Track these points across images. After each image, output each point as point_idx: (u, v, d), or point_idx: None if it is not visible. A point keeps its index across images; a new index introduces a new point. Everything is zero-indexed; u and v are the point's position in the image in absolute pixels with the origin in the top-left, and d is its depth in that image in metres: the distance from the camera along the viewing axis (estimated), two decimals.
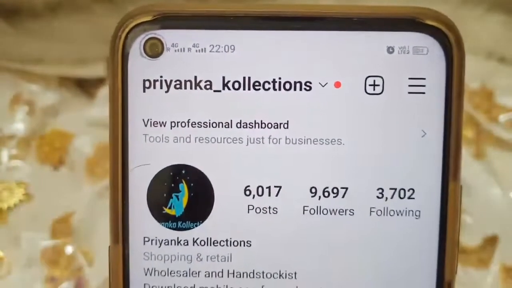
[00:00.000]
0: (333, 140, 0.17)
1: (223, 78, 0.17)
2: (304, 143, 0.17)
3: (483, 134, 0.48)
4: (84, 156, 0.47)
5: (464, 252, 0.44)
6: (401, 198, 0.17)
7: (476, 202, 0.45)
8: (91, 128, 0.48)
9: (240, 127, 0.17)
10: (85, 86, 0.49)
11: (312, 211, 0.17)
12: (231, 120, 0.17)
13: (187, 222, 0.17)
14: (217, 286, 0.18)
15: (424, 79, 0.17)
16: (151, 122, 0.17)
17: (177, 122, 0.17)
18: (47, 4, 0.46)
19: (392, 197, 0.17)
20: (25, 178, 0.46)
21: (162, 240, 0.17)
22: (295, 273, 0.17)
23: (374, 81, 0.17)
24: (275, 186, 0.17)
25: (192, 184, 0.17)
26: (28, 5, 0.46)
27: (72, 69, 0.48)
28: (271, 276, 0.17)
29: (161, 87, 0.17)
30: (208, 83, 0.17)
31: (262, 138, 0.17)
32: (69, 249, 0.44)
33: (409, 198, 0.17)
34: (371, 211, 0.17)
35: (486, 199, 0.45)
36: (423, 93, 0.17)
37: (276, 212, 0.17)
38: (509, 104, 0.49)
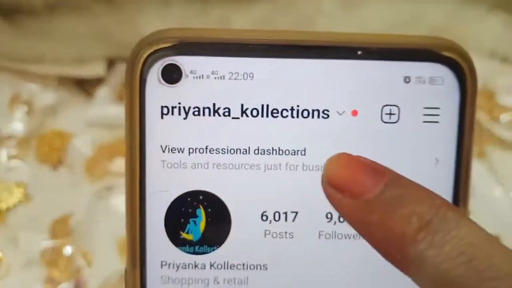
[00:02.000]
0: None
1: (242, 105, 0.17)
2: (321, 170, 0.17)
3: (484, 134, 0.49)
4: (83, 156, 0.47)
5: None
6: None
7: (477, 202, 0.45)
8: (90, 128, 0.48)
9: (258, 154, 0.17)
10: (84, 86, 0.49)
11: (327, 236, 0.18)
12: (249, 147, 0.17)
13: (204, 246, 0.18)
14: None
15: (438, 108, 0.17)
16: (169, 148, 0.17)
17: (195, 149, 0.17)
18: (46, 4, 0.46)
19: None
20: (24, 178, 0.47)
21: (179, 264, 0.18)
22: None
23: (390, 110, 0.17)
24: (291, 212, 0.18)
25: (209, 210, 0.18)
26: (27, 4, 0.45)
27: (71, 68, 0.48)
28: None
29: (179, 114, 0.17)
30: (226, 110, 0.17)
31: (280, 164, 0.17)
32: (68, 250, 0.44)
33: None
34: None
35: (487, 199, 0.46)
36: (437, 122, 0.17)
37: (292, 236, 0.18)
38: (511, 104, 0.49)
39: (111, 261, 0.44)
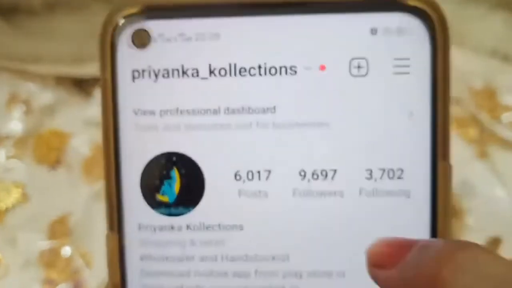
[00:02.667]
0: (320, 123, 0.18)
1: (209, 65, 0.18)
2: (292, 127, 0.18)
3: (486, 134, 0.49)
4: (81, 156, 0.48)
5: None
6: (390, 178, 0.18)
7: (479, 203, 0.46)
8: (88, 127, 0.49)
9: (228, 113, 0.18)
10: (82, 86, 0.50)
11: (302, 194, 0.18)
12: (219, 107, 0.18)
13: (179, 207, 0.18)
14: (211, 270, 0.18)
15: (408, 59, 0.17)
16: (141, 111, 0.18)
17: (166, 110, 0.18)
18: (45, 3, 0.47)
19: (381, 178, 0.18)
20: (22, 178, 0.47)
21: (156, 226, 0.18)
22: (288, 256, 0.18)
23: (359, 63, 0.18)
24: (265, 170, 0.18)
25: (183, 171, 0.18)
26: (26, 4, 0.47)
27: (69, 68, 0.49)
28: (263, 259, 0.18)
29: (149, 77, 0.18)
30: (195, 71, 0.18)
31: (250, 123, 0.18)
32: (66, 251, 0.45)
33: (398, 178, 0.18)
34: (360, 192, 0.18)
35: (489, 200, 0.46)
36: (408, 73, 0.18)
37: (267, 195, 0.18)
38: None
39: None
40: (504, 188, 0.46)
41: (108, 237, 0.19)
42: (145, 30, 0.18)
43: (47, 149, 0.48)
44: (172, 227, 0.18)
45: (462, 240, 0.16)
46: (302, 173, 0.18)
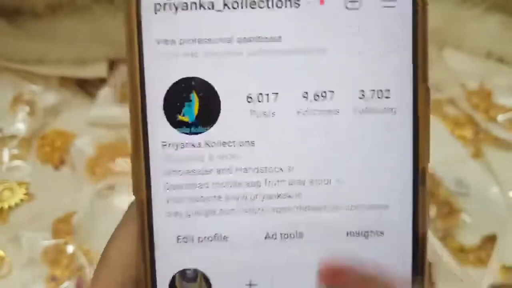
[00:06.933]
0: (320, 50, 0.22)
1: None
2: (296, 53, 0.22)
3: (481, 134, 0.53)
4: (84, 156, 0.51)
5: (463, 251, 0.48)
6: (379, 98, 0.22)
7: (474, 202, 0.49)
8: (91, 128, 0.52)
9: (240, 42, 0.22)
10: (86, 86, 0.54)
11: (304, 113, 0.22)
12: (232, 36, 0.22)
13: (199, 127, 0.22)
14: (226, 180, 0.22)
15: None
16: (162, 40, 0.22)
17: (186, 40, 0.22)
18: (48, 5, 0.51)
19: (372, 97, 0.22)
20: (26, 178, 0.51)
21: (178, 144, 0.22)
22: (293, 167, 0.22)
23: None
24: (272, 93, 0.22)
25: (201, 94, 0.22)
26: (29, 6, 0.51)
27: (73, 69, 0.52)
28: (272, 170, 0.22)
29: (170, 9, 0.22)
30: (210, 3, 0.22)
31: (260, 50, 0.22)
32: (70, 249, 0.47)
33: (386, 97, 0.22)
34: (354, 110, 0.22)
35: (484, 199, 0.49)
36: (394, 6, 0.22)
37: (274, 115, 0.22)
38: (508, 104, 0.54)
39: None
40: (499, 187, 0.50)
41: (133, 155, 0.22)
42: None
43: (51, 149, 0.51)
44: (193, 144, 0.22)
45: None
46: (305, 95, 0.22)
